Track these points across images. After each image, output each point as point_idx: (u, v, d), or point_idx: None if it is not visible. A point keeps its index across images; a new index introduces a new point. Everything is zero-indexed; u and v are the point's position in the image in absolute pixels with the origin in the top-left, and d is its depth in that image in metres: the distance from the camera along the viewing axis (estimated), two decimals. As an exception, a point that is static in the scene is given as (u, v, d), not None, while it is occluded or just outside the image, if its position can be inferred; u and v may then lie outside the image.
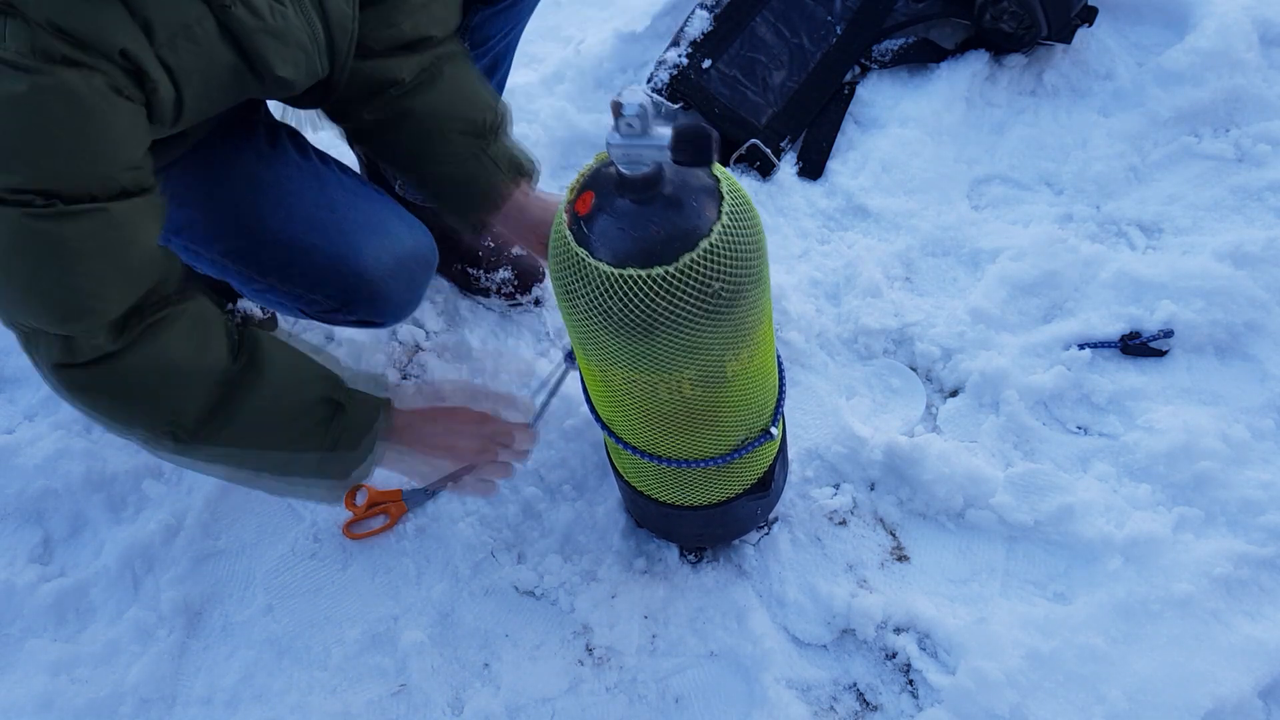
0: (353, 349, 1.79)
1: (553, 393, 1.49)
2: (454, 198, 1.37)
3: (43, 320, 1.00)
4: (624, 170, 0.97)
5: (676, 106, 2.04)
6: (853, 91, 2.07)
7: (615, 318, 1.02)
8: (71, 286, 0.97)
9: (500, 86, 1.71)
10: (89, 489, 1.67)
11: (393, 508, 1.62)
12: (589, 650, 1.52)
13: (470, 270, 1.84)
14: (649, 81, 2.06)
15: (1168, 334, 1.70)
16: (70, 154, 0.91)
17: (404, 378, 1.78)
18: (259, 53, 1.07)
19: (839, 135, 2.03)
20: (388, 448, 1.30)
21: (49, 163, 0.91)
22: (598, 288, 1.01)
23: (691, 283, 0.99)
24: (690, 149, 0.93)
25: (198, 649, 1.57)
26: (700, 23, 2.09)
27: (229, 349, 1.12)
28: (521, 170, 1.38)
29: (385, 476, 1.66)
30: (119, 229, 0.97)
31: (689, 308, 1.01)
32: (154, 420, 1.10)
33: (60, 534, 1.66)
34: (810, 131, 2.03)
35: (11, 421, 1.77)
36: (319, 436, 1.21)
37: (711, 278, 1.00)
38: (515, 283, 1.83)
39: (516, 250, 1.85)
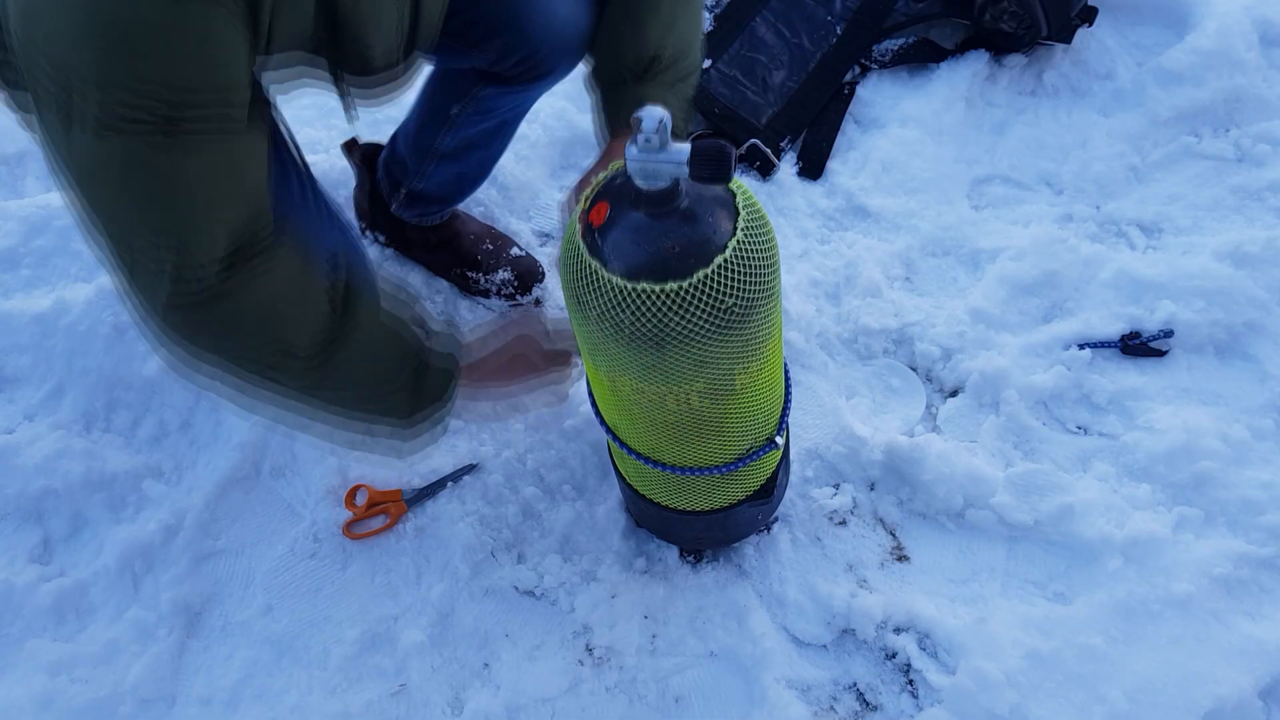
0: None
1: (452, 479, 1.59)
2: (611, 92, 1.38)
3: (158, 249, 1.00)
4: (641, 185, 0.96)
5: (676, 106, 2.04)
6: (853, 91, 2.07)
7: (626, 330, 1.02)
8: (187, 214, 0.98)
9: (499, 152, 1.71)
10: (89, 489, 1.67)
11: (392, 508, 1.62)
12: (589, 650, 1.52)
13: (470, 274, 1.84)
14: (649, 81, 2.06)
15: (1168, 334, 1.70)
16: (198, 82, 0.93)
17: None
18: (350, 28, 1.07)
19: (839, 135, 2.03)
20: (458, 404, 1.32)
21: (179, 88, 0.92)
22: (609, 300, 1.01)
23: (705, 299, 0.99)
24: (710, 165, 0.92)
25: (197, 649, 1.57)
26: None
27: (328, 296, 1.13)
28: (683, 78, 1.36)
29: (385, 477, 1.66)
30: (232, 160, 0.99)
31: (701, 323, 1.00)
32: (261, 355, 1.11)
33: (60, 534, 1.66)
34: (810, 131, 2.03)
35: (11, 421, 1.77)
36: (403, 392, 1.23)
37: (725, 294, 0.99)
38: (515, 283, 1.83)
39: (515, 251, 1.85)
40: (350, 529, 1.61)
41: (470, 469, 1.58)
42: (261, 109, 1.04)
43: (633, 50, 1.32)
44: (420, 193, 1.74)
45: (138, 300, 1.04)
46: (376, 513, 1.62)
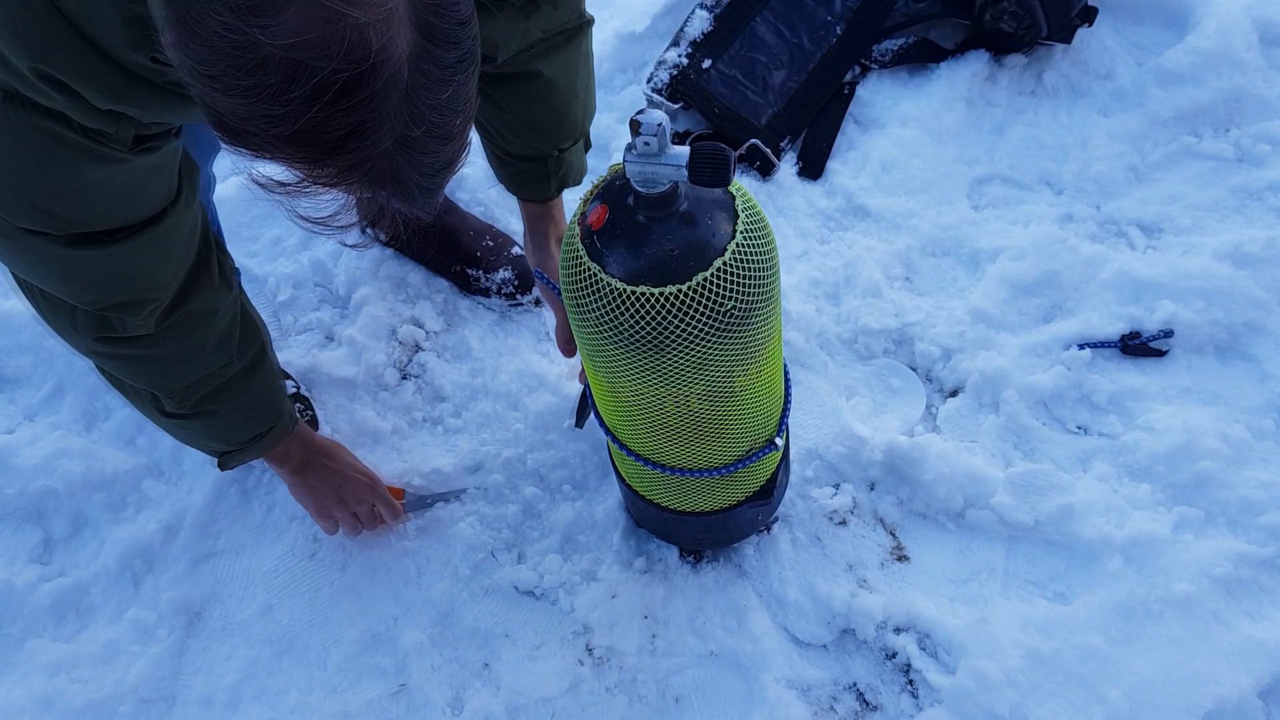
0: (353, 348, 1.79)
1: (443, 500, 1.64)
2: (509, 165, 1.42)
3: (102, 308, 1.06)
4: (640, 188, 0.96)
5: (676, 106, 2.04)
6: (853, 91, 2.07)
7: (626, 333, 1.02)
8: (128, 286, 1.04)
9: None
10: (89, 489, 1.67)
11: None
12: (589, 650, 1.52)
13: (470, 271, 1.84)
14: (649, 81, 2.06)
15: (1168, 334, 1.70)
16: (127, 207, 0.97)
17: (404, 378, 1.78)
18: None
19: (839, 135, 2.03)
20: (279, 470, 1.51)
21: (112, 215, 0.97)
22: (609, 303, 1.01)
23: (704, 302, 0.99)
24: (708, 169, 0.92)
25: (197, 649, 1.57)
26: (700, 23, 2.09)
27: (239, 346, 1.22)
28: (565, 185, 1.45)
29: (388, 473, 1.66)
30: (164, 237, 1.02)
31: (701, 326, 1.00)
32: (162, 388, 1.20)
33: (60, 534, 1.66)
34: (810, 131, 2.03)
35: (11, 421, 1.77)
36: (245, 439, 1.37)
37: (725, 297, 0.99)
38: (515, 283, 1.83)
39: (516, 250, 1.85)
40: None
41: (460, 493, 1.63)
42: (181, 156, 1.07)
43: (560, 136, 1.38)
44: None
45: (62, 328, 1.10)
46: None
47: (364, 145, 0.67)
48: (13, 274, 1.06)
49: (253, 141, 0.67)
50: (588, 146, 1.46)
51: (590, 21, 1.31)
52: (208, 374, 1.21)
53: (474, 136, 1.56)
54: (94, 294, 1.04)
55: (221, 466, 1.41)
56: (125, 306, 1.05)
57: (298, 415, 1.46)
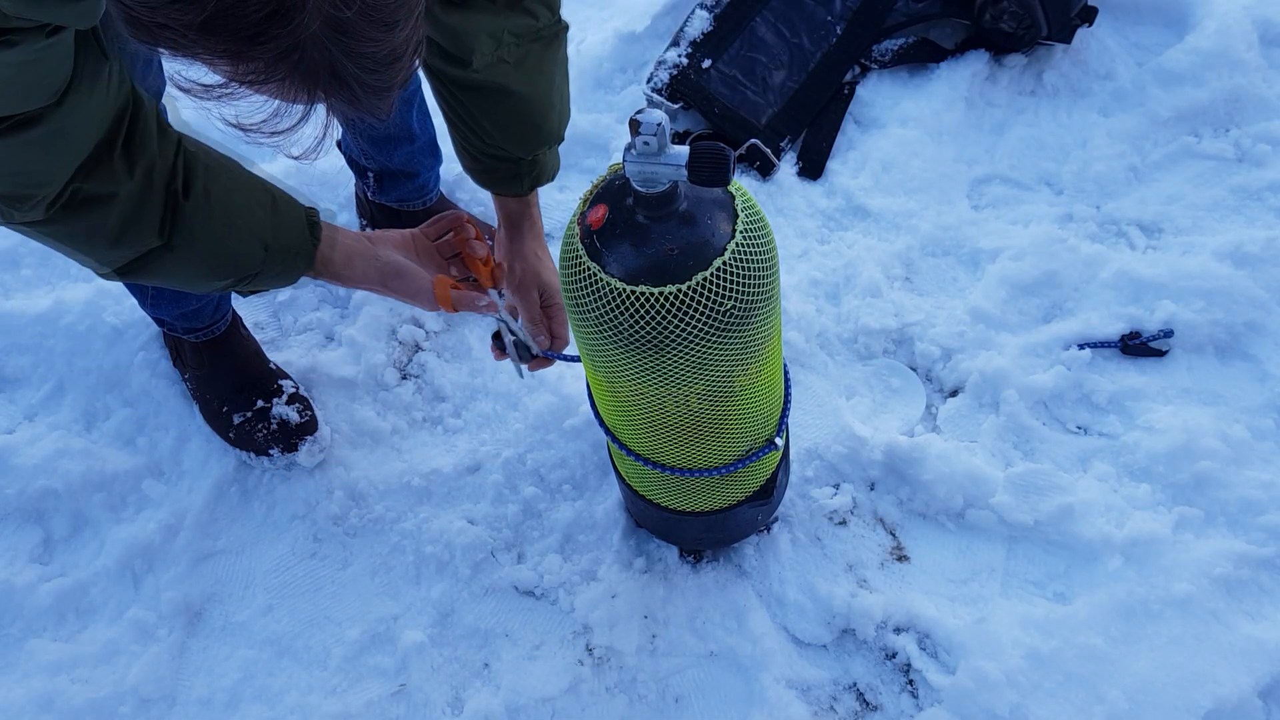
0: (353, 348, 1.79)
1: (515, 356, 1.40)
2: (481, 163, 1.37)
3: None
4: (639, 188, 0.96)
5: (676, 106, 2.04)
6: (853, 91, 2.07)
7: (625, 333, 1.02)
8: (11, 180, 0.96)
9: (416, 101, 1.70)
10: (89, 489, 1.67)
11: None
12: (589, 650, 1.52)
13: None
14: (649, 82, 2.06)
15: (1168, 334, 1.70)
16: (25, 95, 0.89)
17: (404, 377, 1.78)
18: None
19: (839, 135, 2.03)
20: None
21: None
22: (608, 303, 1.01)
23: (704, 301, 0.99)
24: (708, 169, 0.92)
25: (198, 649, 1.57)
26: (700, 23, 2.09)
27: (158, 229, 1.07)
28: (538, 184, 1.41)
29: (389, 475, 1.66)
30: (44, 139, 0.93)
31: (700, 326, 1.00)
32: (85, 261, 1.11)
33: (60, 534, 1.66)
34: (810, 131, 2.03)
35: (11, 421, 1.77)
36: (228, 286, 1.20)
37: (724, 296, 0.99)
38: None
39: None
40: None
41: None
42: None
43: (535, 145, 1.34)
44: (381, 170, 1.75)
45: None
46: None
47: (288, 29, 0.61)
48: None
49: (167, 37, 0.62)
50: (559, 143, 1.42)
51: (565, 28, 1.29)
52: (131, 252, 1.08)
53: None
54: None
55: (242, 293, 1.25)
56: (7, 200, 0.97)
57: (310, 244, 1.21)
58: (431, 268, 1.31)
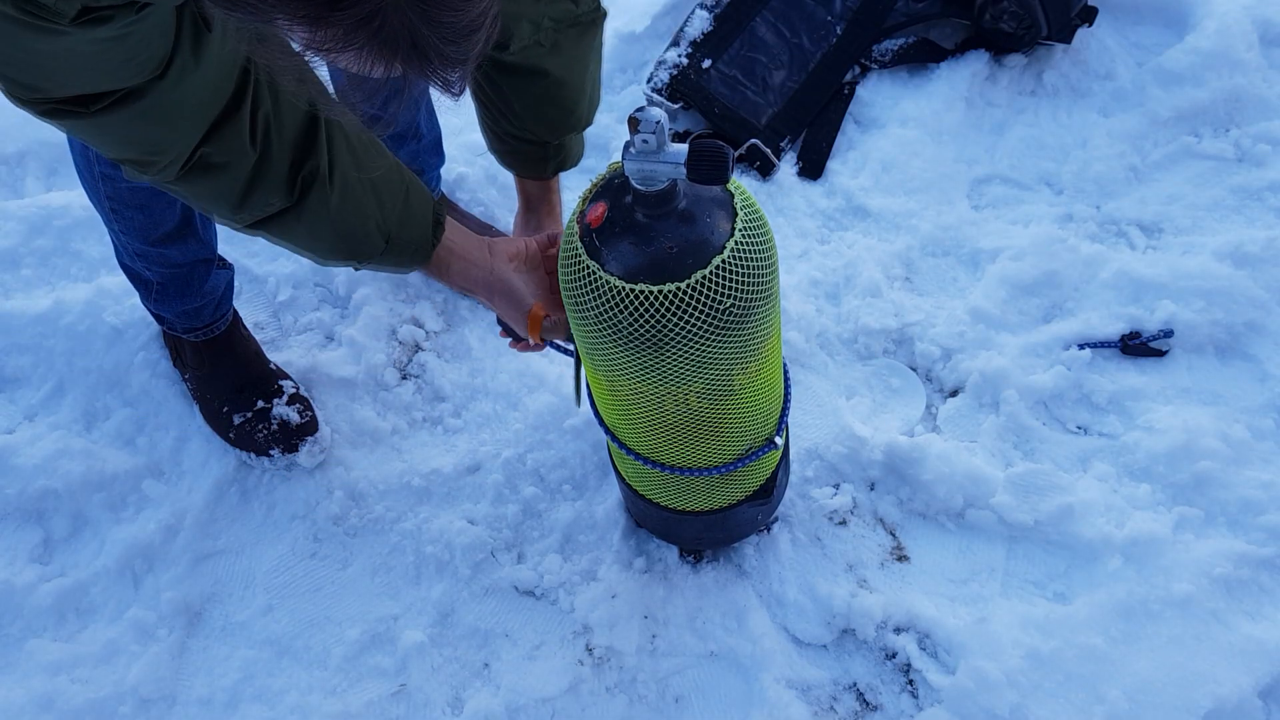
0: (353, 348, 1.79)
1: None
2: (507, 144, 1.38)
3: (110, 160, 1.03)
4: (638, 186, 0.96)
5: (676, 106, 2.04)
6: (853, 91, 2.07)
7: (624, 331, 1.02)
8: (126, 149, 0.99)
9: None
10: (89, 489, 1.67)
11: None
12: (589, 650, 1.52)
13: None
14: (649, 82, 2.06)
15: (1168, 334, 1.70)
16: (83, 77, 0.90)
17: (404, 378, 1.78)
18: None
19: (839, 135, 2.03)
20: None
21: (68, 85, 0.90)
22: (608, 301, 1.01)
23: (703, 299, 0.99)
24: (707, 167, 0.92)
25: (198, 649, 1.57)
26: (700, 23, 2.09)
27: (285, 192, 1.09)
28: (563, 168, 1.42)
29: (388, 475, 1.66)
30: (152, 110, 0.95)
31: (700, 324, 1.00)
32: (217, 216, 1.14)
33: (60, 534, 1.66)
34: (810, 131, 2.03)
35: (11, 421, 1.77)
36: (345, 260, 1.22)
37: (723, 295, 0.99)
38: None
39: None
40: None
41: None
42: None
43: (565, 130, 1.36)
44: None
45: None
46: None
47: None
48: None
49: (246, 3, 0.61)
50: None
51: (604, 15, 1.30)
52: (255, 214, 1.10)
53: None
54: (98, 149, 1.01)
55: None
56: (130, 163, 1.01)
57: (430, 241, 1.23)
58: (533, 283, 1.30)
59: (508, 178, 1.95)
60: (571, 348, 1.34)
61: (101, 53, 0.86)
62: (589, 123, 1.39)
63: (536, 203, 1.45)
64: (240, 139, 1.02)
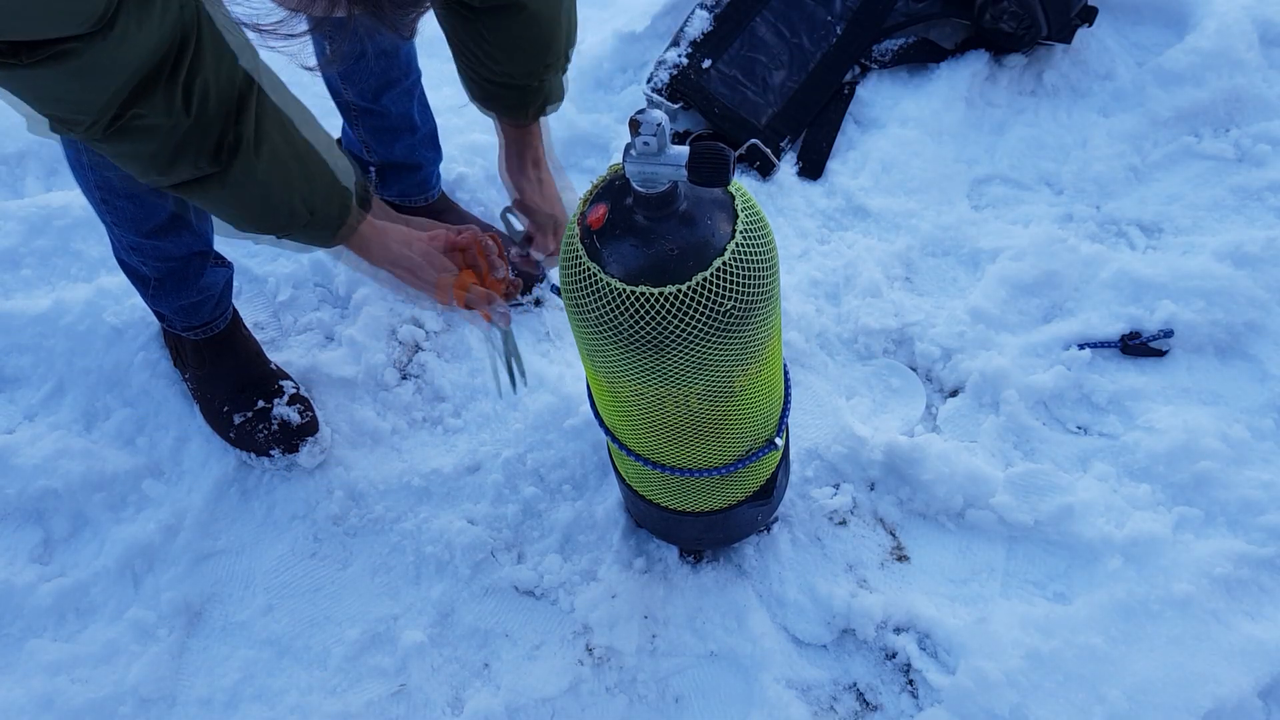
0: (353, 348, 1.79)
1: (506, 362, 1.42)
2: (486, 89, 1.36)
3: (39, 114, 0.99)
4: (639, 188, 0.96)
5: (676, 106, 2.04)
6: (853, 91, 2.07)
7: (625, 333, 1.02)
8: (53, 106, 0.96)
9: (413, 88, 1.71)
10: (89, 489, 1.67)
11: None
12: (589, 650, 1.52)
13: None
14: (649, 82, 2.06)
15: (1168, 334, 1.70)
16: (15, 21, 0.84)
17: (404, 378, 1.78)
18: None
19: (839, 135, 2.03)
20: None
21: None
22: (608, 303, 1.01)
23: (704, 302, 0.99)
24: (708, 169, 0.92)
25: (198, 649, 1.57)
26: (700, 23, 2.10)
27: (211, 158, 1.07)
28: (543, 112, 1.40)
29: (388, 475, 1.66)
30: (85, 71, 0.92)
31: (700, 326, 1.00)
32: (144, 176, 1.10)
33: (60, 534, 1.66)
34: (810, 131, 2.03)
35: (11, 421, 1.77)
36: (258, 231, 1.20)
37: (724, 297, 0.99)
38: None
39: (515, 251, 1.85)
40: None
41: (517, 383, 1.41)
42: None
43: (543, 66, 1.33)
44: (384, 164, 1.76)
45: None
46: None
47: None
48: None
49: None
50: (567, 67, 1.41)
51: None
52: (178, 177, 1.08)
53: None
54: (24, 102, 0.96)
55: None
56: (56, 120, 0.98)
57: (351, 205, 1.22)
58: (439, 263, 1.32)
59: (507, 177, 1.96)
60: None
61: None
62: (567, 59, 1.36)
63: (521, 147, 1.43)
64: (174, 102, 1.00)
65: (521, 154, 1.43)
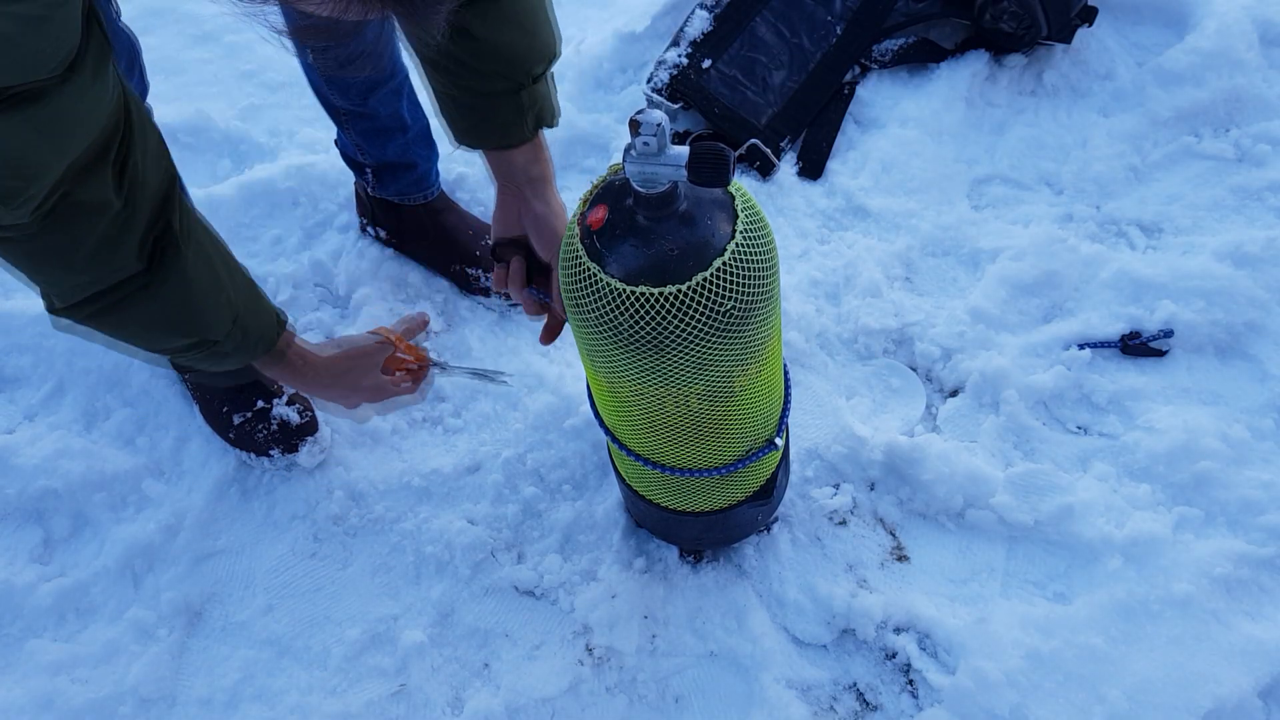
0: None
1: (475, 373, 1.49)
2: (478, 110, 1.26)
3: None
4: (639, 188, 0.96)
5: (676, 106, 2.04)
6: (853, 91, 2.07)
7: (625, 334, 1.02)
8: (6, 168, 0.87)
9: (401, 86, 1.69)
10: (89, 489, 1.67)
11: (418, 371, 1.51)
12: (589, 650, 1.52)
13: (470, 270, 1.84)
14: (649, 82, 2.06)
15: (1168, 334, 1.70)
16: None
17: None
18: None
19: (839, 135, 2.03)
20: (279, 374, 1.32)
21: None
22: (608, 303, 1.01)
23: (704, 302, 0.99)
24: (708, 169, 0.92)
25: (198, 649, 1.57)
26: (700, 23, 2.09)
27: (137, 254, 1.03)
28: (541, 124, 1.29)
29: (388, 475, 1.66)
30: (48, 122, 0.86)
31: (700, 326, 1.00)
32: (52, 282, 1.05)
33: (60, 534, 1.66)
34: (810, 131, 2.03)
35: (11, 421, 1.77)
36: (180, 354, 1.17)
37: (724, 297, 0.99)
38: (515, 283, 1.82)
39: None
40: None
41: (499, 377, 1.47)
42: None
43: (533, 60, 1.23)
44: (378, 165, 1.76)
45: None
46: (402, 367, 1.48)
47: None
48: None
49: None
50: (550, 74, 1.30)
51: None
52: (102, 276, 1.03)
53: None
54: None
55: (175, 367, 1.22)
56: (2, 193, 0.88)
57: (276, 328, 1.24)
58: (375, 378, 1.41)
59: (508, 178, 1.96)
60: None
61: (19, 33, 0.77)
62: (556, 54, 1.26)
63: (534, 169, 1.28)
64: (106, 185, 0.96)
65: (535, 175, 1.29)
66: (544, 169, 1.32)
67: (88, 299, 1.05)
